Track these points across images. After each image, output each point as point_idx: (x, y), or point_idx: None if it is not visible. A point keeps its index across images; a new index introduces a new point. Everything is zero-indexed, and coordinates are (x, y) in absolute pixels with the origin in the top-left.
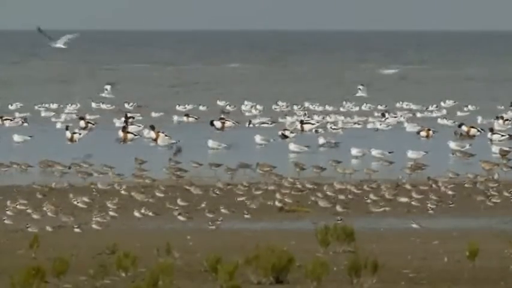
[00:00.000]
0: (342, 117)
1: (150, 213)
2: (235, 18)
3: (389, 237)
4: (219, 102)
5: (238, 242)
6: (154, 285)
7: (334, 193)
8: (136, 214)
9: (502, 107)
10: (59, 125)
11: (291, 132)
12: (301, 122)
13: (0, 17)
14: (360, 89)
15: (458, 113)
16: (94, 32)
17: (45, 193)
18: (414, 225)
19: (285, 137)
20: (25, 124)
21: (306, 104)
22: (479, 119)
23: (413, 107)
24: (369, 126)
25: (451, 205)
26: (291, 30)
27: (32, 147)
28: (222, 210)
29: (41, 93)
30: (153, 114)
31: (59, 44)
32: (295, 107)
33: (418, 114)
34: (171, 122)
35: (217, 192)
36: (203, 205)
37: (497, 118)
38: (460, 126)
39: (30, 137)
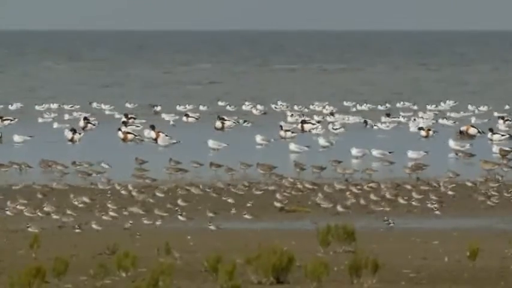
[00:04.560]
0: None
1: (150, 213)
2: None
3: (389, 237)
4: (219, 103)
5: (238, 242)
6: (155, 285)
7: (334, 193)
8: (136, 213)
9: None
10: (55, 125)
11: (292, 131)
12: (302, 122)
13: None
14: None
15: (456, 114)
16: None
17: (46, 193)
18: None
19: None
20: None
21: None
22: (473, 119)
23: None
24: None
25: (451, 205)
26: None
27: (32, 147)
28: (222, 210)
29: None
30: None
31: None
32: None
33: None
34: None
35: (218, 192)
36: (203, 205)
37: (499, 118)
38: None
39: (31, 137)
